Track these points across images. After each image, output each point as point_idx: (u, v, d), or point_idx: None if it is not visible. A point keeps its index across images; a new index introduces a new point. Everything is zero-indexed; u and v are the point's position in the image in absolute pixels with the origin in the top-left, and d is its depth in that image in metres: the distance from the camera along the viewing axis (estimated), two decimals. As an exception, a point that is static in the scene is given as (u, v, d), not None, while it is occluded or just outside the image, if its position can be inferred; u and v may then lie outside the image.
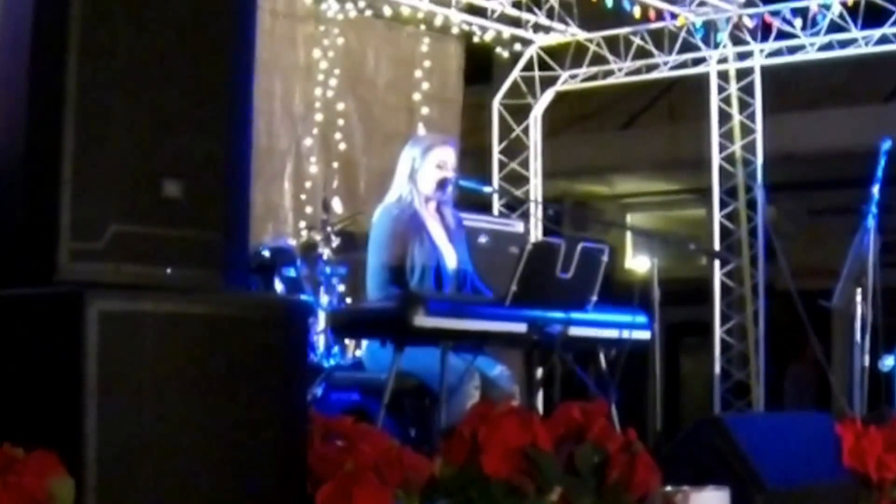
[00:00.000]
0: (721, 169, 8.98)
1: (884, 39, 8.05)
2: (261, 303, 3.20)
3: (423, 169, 5.43)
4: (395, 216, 5.39)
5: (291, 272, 6.22)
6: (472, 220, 6.96)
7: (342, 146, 8.47)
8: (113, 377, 2.68)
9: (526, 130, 9.56)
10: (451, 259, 5.43)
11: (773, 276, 9.16)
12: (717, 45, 8.71)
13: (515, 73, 9.49)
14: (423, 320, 4.56)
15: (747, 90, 8.88)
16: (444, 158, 5.46)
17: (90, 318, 2.67)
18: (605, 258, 4.96)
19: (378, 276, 5.30)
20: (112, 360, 2.68)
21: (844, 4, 8.01)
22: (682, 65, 8.94)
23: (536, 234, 8.96)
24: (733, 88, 8.92)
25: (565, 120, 12.08)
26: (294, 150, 8.26)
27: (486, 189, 6.95)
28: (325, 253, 6.55)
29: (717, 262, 8.82)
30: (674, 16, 8.70)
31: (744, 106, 8.91)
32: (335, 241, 6.66)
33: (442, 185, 5.43)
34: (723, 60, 8.83)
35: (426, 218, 5.44)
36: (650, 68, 9.09)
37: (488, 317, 4.76)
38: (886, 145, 6.11)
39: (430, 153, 5.46)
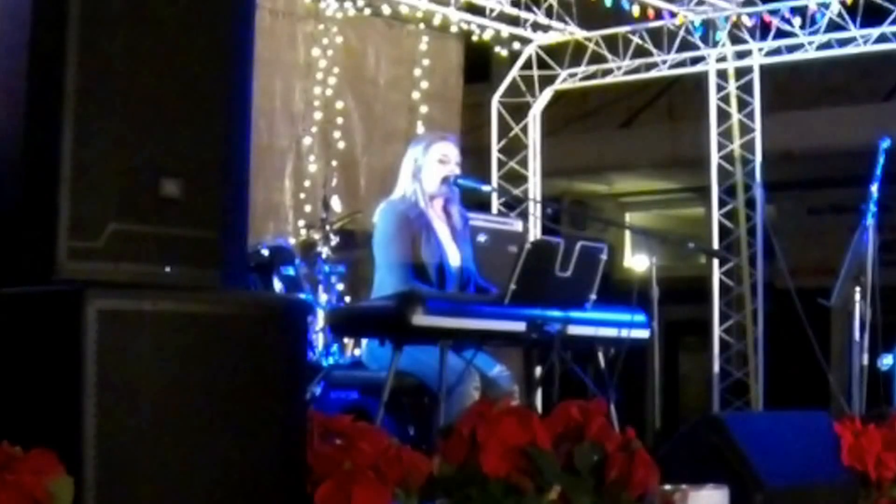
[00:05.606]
0: (720, 168, 8.98)
1: (883, 38, 8.04)
2: (259, 301, 3.20)
3: (427, 166, 5.43)
4: (402, 211, 5.36)
5: (290, 271, 6.22)
6: (471, 218, 6.96)
7: (342, 144, 8.46)
8: (111, 375, 2.68)
9: (525, 129, 9.55)
10: (454, 258, 5.42)
11: (771, 274, 9.16)
12: (715, 44, 8.70)
13: (514, 72, 9.48)
14: (421, 319, 4.56)
15: (746, 89, 8.88)
16: (446, 152, 5.45)
17: (89, 316, 2.66)
18: (603, 257, 4.97)
19: (401, 273, 5.23)
20: (110, 359, 2.68)
21: (843, 3, 8.01)
22: (681, 64, 8.94)
23: (535, 232, 8.98)
24: (732, 87, 8.91)
25: (564, 119, 12.08)
26: (294, 148, 8.26)
27: (485, 188, 6.93)
28: (325, 251, 6.55)
29: (715, 261, 8.81)
30: (673, 14, 8.70)
31: (743, 105, 8.91)
32: (334, 240, 6.66)
33: (447, 180, 5.42)
34: (722, 59, 8.83)
35: (432, 217, 5.43)
36: (649, 67, 9.08)
37: (487, 315, 4.76)
38: (885, 144, 6.11)
39: (431, 149, 5.45)
